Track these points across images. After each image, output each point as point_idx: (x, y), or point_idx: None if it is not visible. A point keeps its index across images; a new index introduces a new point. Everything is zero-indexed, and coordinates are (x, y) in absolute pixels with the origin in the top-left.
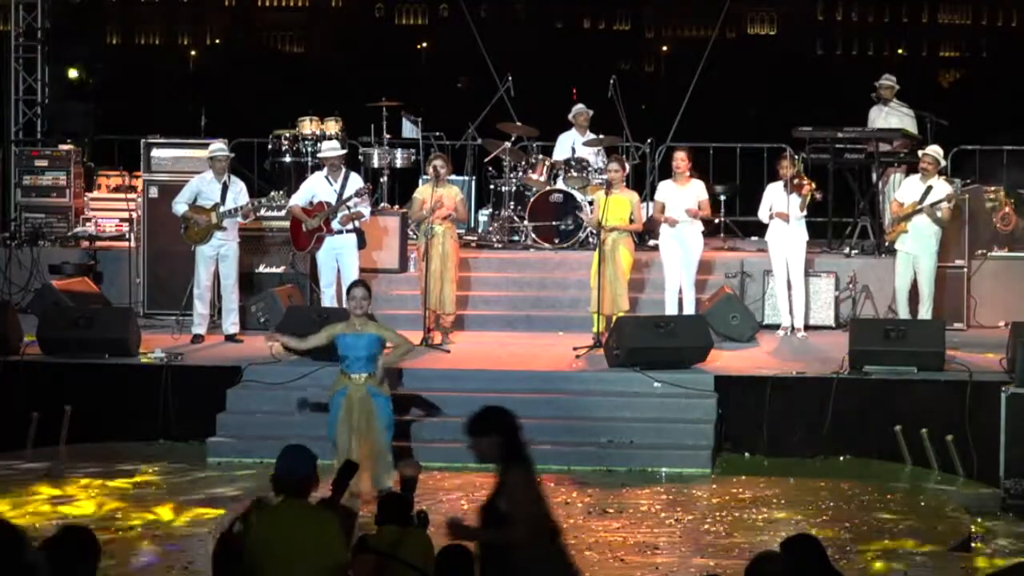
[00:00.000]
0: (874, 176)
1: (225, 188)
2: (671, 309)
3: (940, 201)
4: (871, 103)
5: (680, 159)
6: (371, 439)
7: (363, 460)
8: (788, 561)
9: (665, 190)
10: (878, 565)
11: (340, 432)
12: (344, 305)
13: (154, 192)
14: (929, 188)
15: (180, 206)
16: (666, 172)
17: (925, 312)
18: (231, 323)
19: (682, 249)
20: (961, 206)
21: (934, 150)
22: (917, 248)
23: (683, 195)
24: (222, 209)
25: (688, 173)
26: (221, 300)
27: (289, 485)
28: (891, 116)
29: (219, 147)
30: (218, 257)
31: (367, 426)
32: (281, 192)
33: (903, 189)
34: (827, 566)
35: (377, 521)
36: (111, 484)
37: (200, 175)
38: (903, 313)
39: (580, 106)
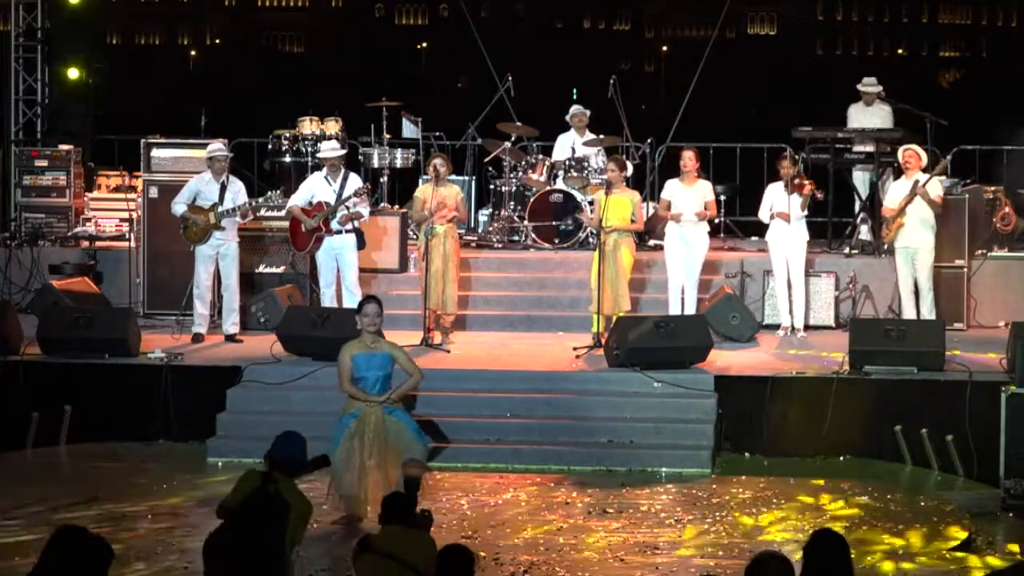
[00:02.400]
0: (857, 176)
1: (223, 188)
2: (675, 309)
3: (930, 177)
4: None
5: (688, 158)
6: (389, 462)
7: (368, 488)
8: (811, 553)
9: (672, 189)
10: (878, 565)
11: (342, 455)
12: (359, 325)
13: (154, 192)
14: (916, 183)
15: (179, 206)
16: (666, 172)
17: (927, 309)
18: (231, 323)
19: (687, 249)
20: (961, 205)
21: (914, 145)
22: (916, 242)
23: (690, 195)
24: (220, 209)
25: (695, 173)
26: (222, 300)
27: (283, 465)
28: (874, 117)
29: (218, 147)
30: (218, 256)
31: (381, 450)
32: (279, 191)
33: (891, 192)
34: (847, 566)
35: (381, 521)
36: (110, 484)
37: (199, 175)
38: (909, 312)
39: (577, 107)
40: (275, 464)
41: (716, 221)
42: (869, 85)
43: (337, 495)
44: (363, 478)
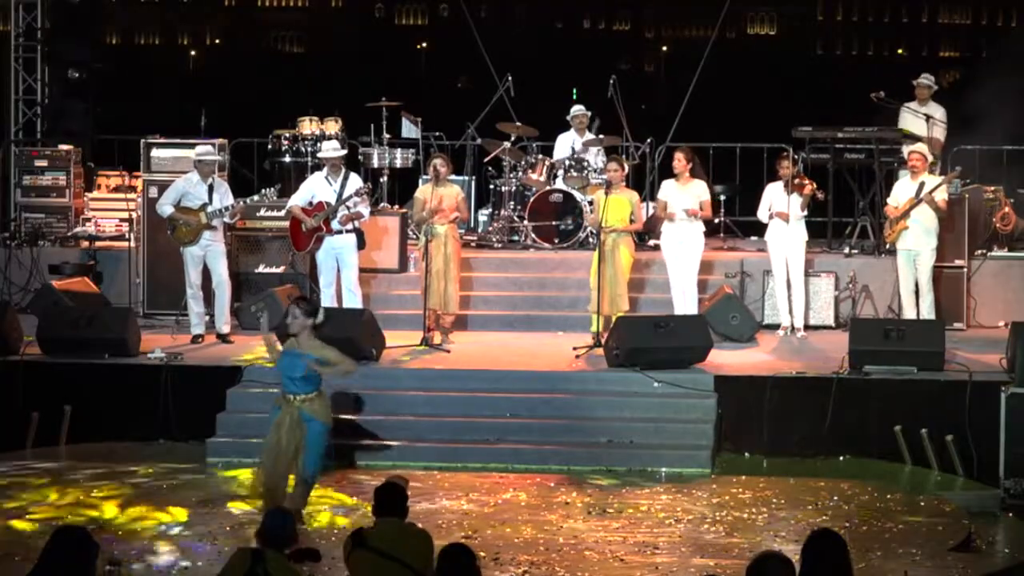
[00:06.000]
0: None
1: (211, 189)
2: (679, 307)
3: (939, 184)
4: (871, 103)
5: (677, 159)
6: (295, 463)
7: (282, 476)
8: (810, 553)
9: (667, 189)
10: (878, 565)
11: (267, 447)
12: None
13: (154, 192)
14: (922, 184)
15: (166, 207)
16: (665, 172)
17: (927, 309)
18: (224, 322)
19: (682, 248)
20: (961, 205)
21: (920, 147)
22: (919, 244)
23: (685, 195)
24: (210, 209)
25: (687, 173)
26: (214, 300)
27: (272, 540)
28: (907, 117)
29: (206, 150)
30: (206, 257)
31: (292, 449)
32: (272, 188)
33: (895, 191)
34: (846, 566)
35: (375, 512)
36: (111, 485)
37: (185, 176)
38: (909, 312)
39: (579, 108)
40: (265, 540)
41: (716, 221)
42: (926, 79)
43: (260, 485)
44: (282, 470)
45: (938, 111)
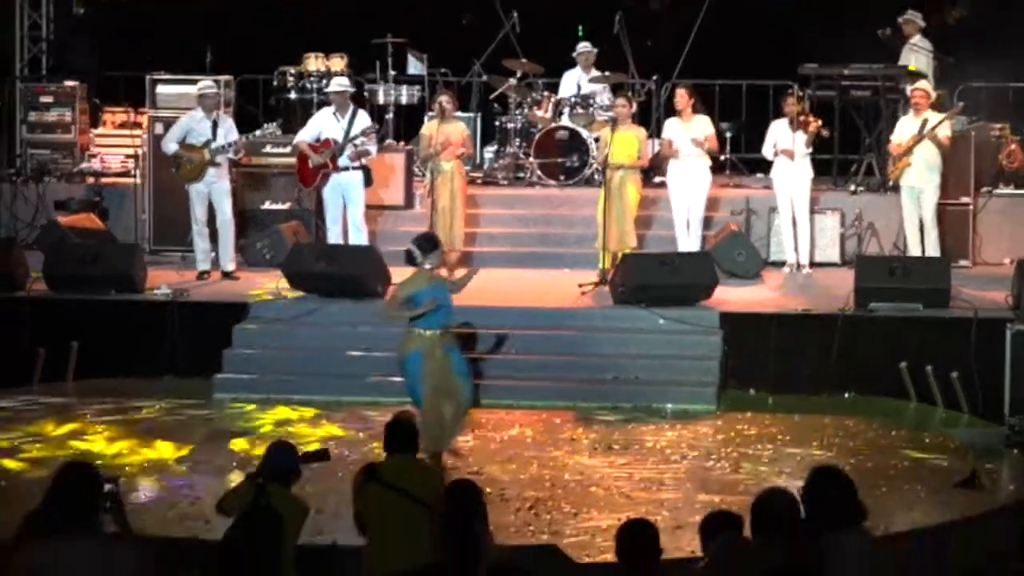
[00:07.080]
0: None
1: (215, 125)
2: (683, 245)
3: (942, 120)
4: (876, 40)
5: (679, 95)
6: (455, 398)
7: (443, 421)
8: (811, 488)
9: (671, 128)
10: (883, 501)
11: (429, 393)
12: (427, 263)
13: (159, 129)
14: (925, 121)
15: (171, 144)
16: (671, 109)
17: (932, 246)
18: (228, 259)
19: (689, 184)
20: (967, 142)
21: (924, 84)
22: (921, 181)
23: (688, 131)
24: (214, 145)
25: (690, 109)
26: (219, 237)
27: (276, 476)
28: (909, 54)
29: (207, 84)
30: (211, 194)
31: (449, 385)
32: (274, 124)
33: (898, 128)
34: (848, 500)
35: (385, 448)
36: (117, 420)
37: (189, 113)
38: (915, 249)
39: (585, 44)
40: (268, 476)
41: (722, 158)
42: (912, 14)
43: (433, 436)
44: (436, 413)
45: (925, 44)
